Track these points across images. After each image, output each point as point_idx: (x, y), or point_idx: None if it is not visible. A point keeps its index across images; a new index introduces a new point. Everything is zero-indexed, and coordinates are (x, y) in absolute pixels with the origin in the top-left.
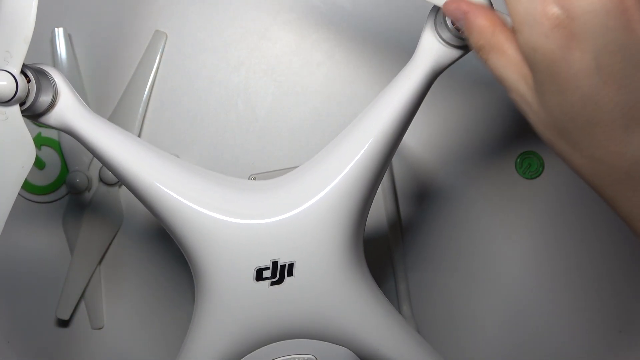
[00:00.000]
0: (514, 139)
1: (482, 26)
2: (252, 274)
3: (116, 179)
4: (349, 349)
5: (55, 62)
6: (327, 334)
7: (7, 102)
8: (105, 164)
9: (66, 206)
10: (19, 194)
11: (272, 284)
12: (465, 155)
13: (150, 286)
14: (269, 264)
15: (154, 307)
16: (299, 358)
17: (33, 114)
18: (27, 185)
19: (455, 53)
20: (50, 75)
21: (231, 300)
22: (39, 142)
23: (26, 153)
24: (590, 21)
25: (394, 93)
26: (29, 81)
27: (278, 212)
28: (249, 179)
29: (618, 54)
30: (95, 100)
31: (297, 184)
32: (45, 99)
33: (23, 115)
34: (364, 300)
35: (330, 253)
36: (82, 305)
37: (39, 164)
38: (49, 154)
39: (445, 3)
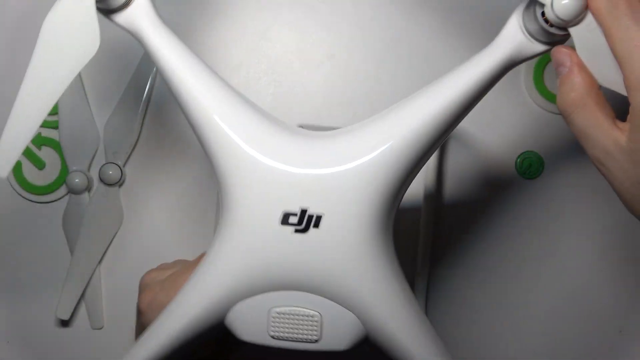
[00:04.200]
0: (514, 139)
1: (581, 82)
2: (279, 217)
3: (116, 179)
4: (356, 316)
5: None
6: (338, 295)
7: None
8: (164, 76)
9: (66, 206)
10: (18, 194)
11: (297, 231)
12: (464, 155)
13: None
14: (297, 210)
15: None
16: (303, 311)
17: (106, 8)
18: (26, 185)
19: (537, 47)
20: None
21: (252, 236)
22: (39, 142)
23: (90, 43)
24: None
25: (468, 69)
26: None
27: (322, 164)
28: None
29: None
30: (96, 99)
31: (346, 141)
32: None
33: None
34: (384, 273)
35: (362, 216)
36: (82, 305)
37: (38, 163)
38: (48, 154)
39: (557, 47)
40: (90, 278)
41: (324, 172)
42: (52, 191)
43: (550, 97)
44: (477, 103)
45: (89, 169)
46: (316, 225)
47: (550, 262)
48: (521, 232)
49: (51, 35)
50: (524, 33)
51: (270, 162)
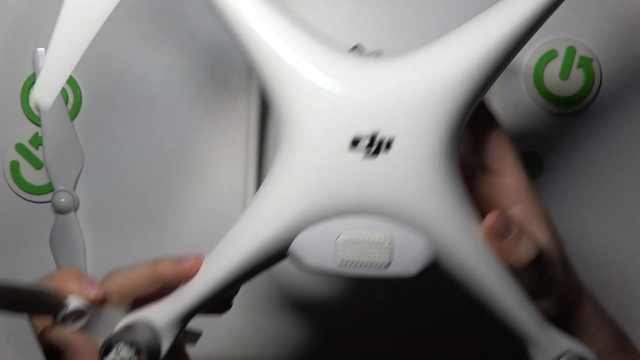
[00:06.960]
0: (514, 139)
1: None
2: (348, 142)
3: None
4: (427, 238)
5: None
6: (410, 216)
7: None
8: (216, 13)
9: (53, 226)
10: (16, 193)
11: (366, 155)
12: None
13: None
14: (368, 134)
15: None
16: (373, 236)
17: None
18: (24, 185)
19: None
20: None
21: (320, 162)
22: (36, 142)
23: None
24: None
25: None
26: None
27: (392, 86)
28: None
29: None
30: (94, 112)
31: (414, 63)
32: None
33: None
34: (455, 194)
35: (434, 138)
36: None
37: (36, 163)
38: None
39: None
40: None
41: (395, 94)
42: (50, 191)
43: (551, 97)
44: (537, 29)
45: (74, 188)
46: (387, 148)
47: None
48: None
49: None
50: None
51: (338, 88)
